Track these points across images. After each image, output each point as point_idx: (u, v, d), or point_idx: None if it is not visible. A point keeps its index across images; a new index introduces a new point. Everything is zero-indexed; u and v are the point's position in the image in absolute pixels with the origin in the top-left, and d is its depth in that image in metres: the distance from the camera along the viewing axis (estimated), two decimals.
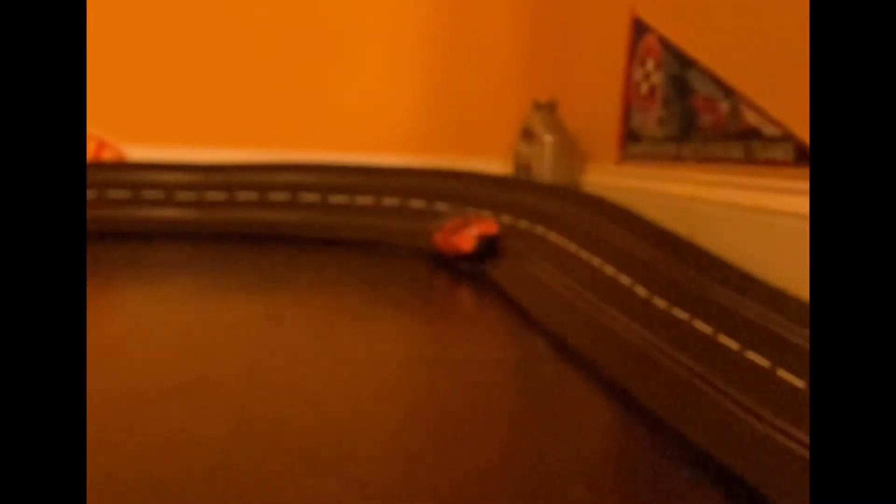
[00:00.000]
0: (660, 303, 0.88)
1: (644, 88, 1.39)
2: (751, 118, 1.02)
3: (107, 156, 1.83)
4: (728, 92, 1.08)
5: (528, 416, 0.70)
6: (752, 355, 0.68)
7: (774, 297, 0.76)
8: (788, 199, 0.88)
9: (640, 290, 0.93)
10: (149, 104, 1.87)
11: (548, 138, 1.72)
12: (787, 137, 0.94)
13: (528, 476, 0.57)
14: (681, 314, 0.83)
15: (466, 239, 1.35)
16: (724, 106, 1.09)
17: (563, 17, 1.93)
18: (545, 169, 1.71)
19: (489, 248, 1.35)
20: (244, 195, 1.74)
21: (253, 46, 1.90)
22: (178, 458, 0.57)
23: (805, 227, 0.82)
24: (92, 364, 0.77)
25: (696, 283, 0.86)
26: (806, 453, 0.54)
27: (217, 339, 0.91)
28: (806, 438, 0.55)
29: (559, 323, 0.97)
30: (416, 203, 1.68)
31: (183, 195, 1.72)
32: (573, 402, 0.75)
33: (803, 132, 0.90)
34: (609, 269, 1.04)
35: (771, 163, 0.97)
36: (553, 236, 1.30)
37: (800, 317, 0.69)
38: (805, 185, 0.85)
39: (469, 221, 1.40)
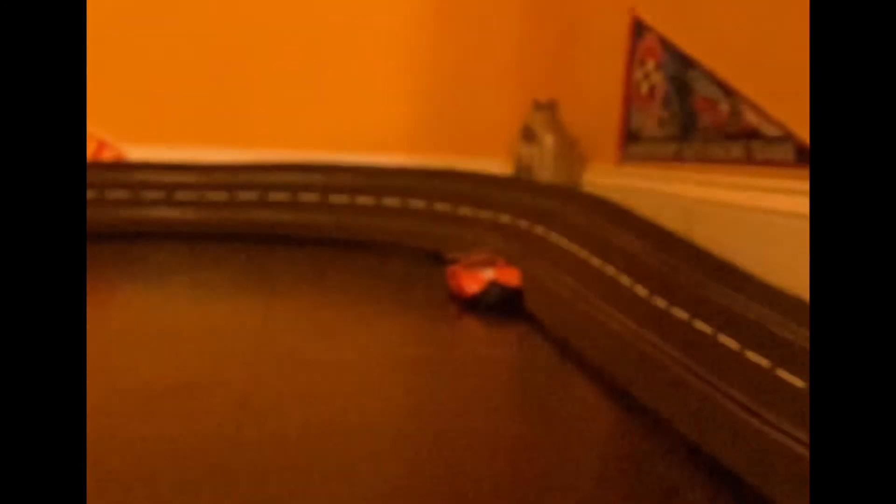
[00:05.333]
0: (660, 303, 0.88)
1: (644, 88, 1.39)
2: (751, 118, 1.02)
3: (107, 156, 1.83)
4: (728, 92, 1.08)
5: (529, 415, 0.70)
6: (752, 355, 0.68)
7: (774, 297, 0.76)
8: (788, 199, 0.88)
9: (640, 290, 0.93)
10: (149, 104, 1.87)
11: (548, 138, 1.72)
12: (787, 137, 0.94)
13: (528, 476, 0.57)
14: (681, 314, 0.83)
15: (475, 280, 1.11)
16: (724, 106, 1.09)
17: (563, 17, 1.93)
18: (545, 169, 1.71)
19: (503, 301, 1.10)
20: (244, 195, 1.74)
21: (253, 46, 1.90)
22: (178, 459, 0.57)
23: (805, 227, 0.82)
24: (91, 364, 0.77)
25: (696, 283, 0.86)
26: (806, 453, 0.54)
27: (217, 339, 0.91)
28: (806, 438, 0.55)
29: (559, 322, 0.97)
30: (416, 203, 1.68)
31: (183, 195, 1.72)
32: (574, 401, 0.75)
33: (803, 132, 0.90)
34: (609, 269, 1.04)
35: (771, 163, 0.97)
36: (553, 236, 1.30)
37: (800, 317, 0.69)
38: (805, 185, 0.85)
39: (492, 262, 1.16)
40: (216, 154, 1.82)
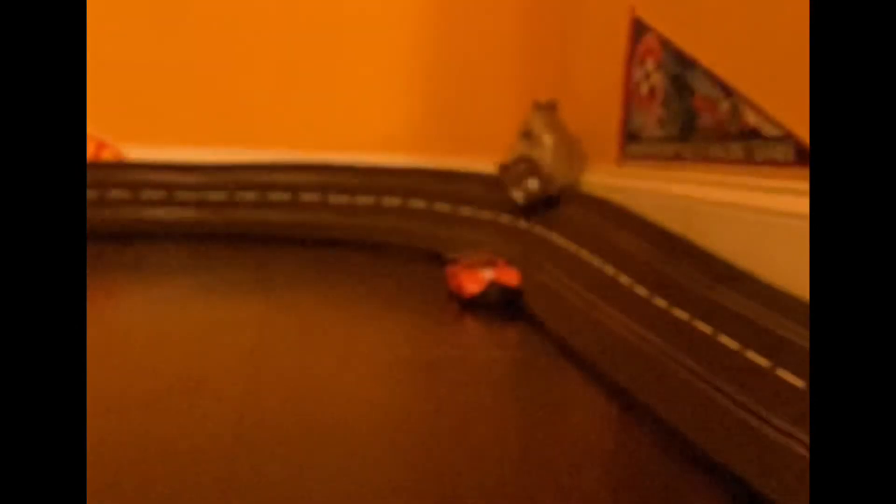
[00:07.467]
0: (660, 303, 0.88)
1: (644, 88, 1.39)
2: (751, 118, 1.02)
3: (107, 156, 1.83)
4: (728, 92, 1.08)
5: (528, 416, 0.70)
6: (752, 355, 0.68)
7: (774, 297, 0.76)
8: (788, 199, 0.88)
9: (641, 290, 0.93)
10: (149, 104, 1.87)
11: (548, 138, 1.72)
12: (787, 137, 0.94)
13: (527, 476, 0.57)
14: (681, 314, 0.83)
15: (475, 280, 1.12)
16: (724, 106, 1.09)
17: (563, 17, 1.93)
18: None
19: (503, 301, 1.11)
20: (244, 195, 1.74)
21: (253, 46, 1.90)
22: (178, 460, 0.57)
23: (805, 227, 0.82)
24: (92, 365, 0.77)
25: (696, 283, 0.86)
26: (805, 453, 0.54)
27: (217, 340, 0.91)
28: (806, 438, 0.55)
29: (559, 322, 0.97)
30: (417, 203, 1.68)
31: (183, 195, 1.72)
32: (573, 401, 0.75)
33: (803, 132, 0.90)
34: (609, 269, 1.04)
35: (771, 163, 0.97)
36: (553, 236, 1.30)
37: (800, 317, 0.69)
38: (805, 185, 0.85)
39: (492, 262, 1.17)
40: (216, 154, 1.82)
